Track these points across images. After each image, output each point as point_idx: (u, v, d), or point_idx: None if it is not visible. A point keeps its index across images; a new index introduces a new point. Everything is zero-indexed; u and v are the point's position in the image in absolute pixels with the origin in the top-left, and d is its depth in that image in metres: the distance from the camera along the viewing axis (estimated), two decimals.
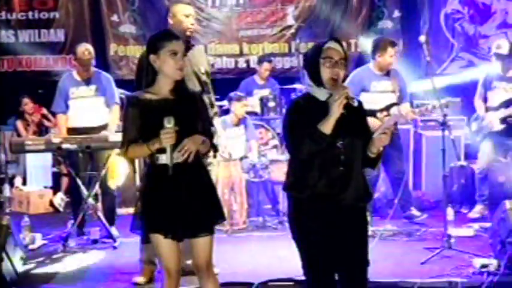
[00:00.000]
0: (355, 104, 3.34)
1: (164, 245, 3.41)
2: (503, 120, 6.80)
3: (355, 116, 3.38)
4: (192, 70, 4.79)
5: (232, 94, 7.32)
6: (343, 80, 3.38)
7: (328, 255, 3.35)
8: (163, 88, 3.45)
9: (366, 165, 3.44)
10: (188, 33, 4.82)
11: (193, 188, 3.44)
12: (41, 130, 8.80)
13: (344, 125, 3.28)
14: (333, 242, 3.34)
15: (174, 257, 3.47)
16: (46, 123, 8.86)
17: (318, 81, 3.32)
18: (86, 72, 6.44)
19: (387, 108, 6.40)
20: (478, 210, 6.98)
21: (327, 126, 3.21)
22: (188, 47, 4.77)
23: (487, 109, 6.94)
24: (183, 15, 4.80)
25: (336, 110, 3.20)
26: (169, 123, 3.28)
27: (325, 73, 3.29)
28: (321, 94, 3.34)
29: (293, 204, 3.45)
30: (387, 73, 6.54)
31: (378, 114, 6.35)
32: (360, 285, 3.43)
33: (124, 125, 3.49)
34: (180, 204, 3.39)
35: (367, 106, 3.71)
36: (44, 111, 8.80)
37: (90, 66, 6.44)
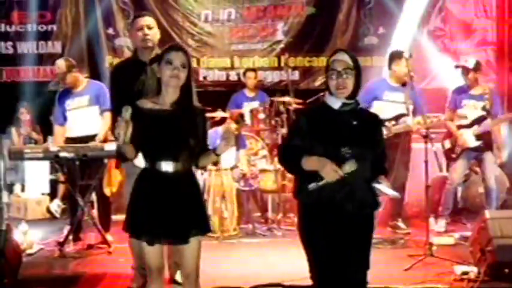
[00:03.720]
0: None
1: (145, 244, 3.47)
2: (477, 137, 6.82)
3: (368, 126, 3.48)
4: (155, 81, 4.75)
5: (231, 112, 7.48)
6: (358, 89, 3.49)
7: (333, 262, 3.42)
8: (166, 98, 3.51)
9: (378, 173, 3.55)
10: (143, 44, 4.74)
11: (180, 198, 3.48)
12: (30, 142, 8.77)
13: (353, 134, 3.40)
14: (337, 249, 3.40)
15: (154, 257, 3.51)
16: (34, 135, 8.88)
17: (329, 91, 3.46)
18: (71, 85, 6.59)
19: (396, 118, 6.53)
20: (442, 224, 6.98)
21: (307, 165, 3.33)
22: (156, 58, 4.88)
23: (459, 127, 6.94)
24: (135, 30, 4.79)
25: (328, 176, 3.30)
26: (126, 111, 3.31)
27: (331, 84, 3.43)
28: (333, 103, 3.46)
29: (300, 210, 3.53)
30: (402, 85, 6.69)
31: (387, 123, 6.47)
32: None
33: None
34: (166, 212, 3.43)
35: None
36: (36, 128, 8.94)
37: (65, 80, 6.57)
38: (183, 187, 3.52)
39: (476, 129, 6.84)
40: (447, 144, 7.04)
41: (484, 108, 6.86)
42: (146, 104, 3.53)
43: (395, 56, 6.70)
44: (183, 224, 3.47)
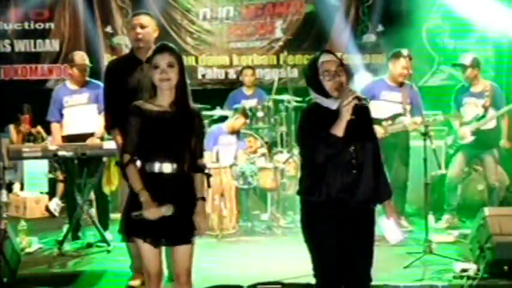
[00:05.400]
0: (368, 103, 3.46)
1: (145, 248, 3.47)
2: (473, 133, 6.88)
3: (364, 119, 3.50)
4: (150, 80, 4.82)
5: (239, 107, 7.48)
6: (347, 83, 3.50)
7: (337, 260, 3.45)
8: (163, 100, 3.53)
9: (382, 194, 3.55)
10: (135, 44, 4.83)
11: (178, 199, 3.47)
12: (28, 140, 8.81)
13: (354, 129, 3.41)
14: (343, 245, 3.44)
15: (154, 261, 3.52)
16: (33, 131, 8.91)
17: (324, 93, 3.44)
18: (82, 78, 6.59)
19: (392, 117, 6.58)
20: (446, 219, 7.05)
21: (338, 130, 3.34)
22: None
23: (461, 124, 6.99)
24: (129, 29, 4.90)
25: (346, 114, 3.33)
26: (167, 212, 3.39)
27: (328, 85, 3.42)
28: (331, 104, 3.45)
29: (306, 208, 3.54)
30: (400, 85, 6.71)
31: (383, 123, 6.58)
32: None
33: (127, 133, 3.56)
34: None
35: (374, 114, 3.81)
36: (36, 126, 8.94)
37: (86, 72, 6.60)
38: (182, 187, 3.52)
39: (474, 125, 6.89)
40: (449, 140, 7.14)
41: (484, 106, 6.89)
42: (144, 105, 3.55)
43: (392, 56, 6.73)
44: (184, 224, 3.49)
